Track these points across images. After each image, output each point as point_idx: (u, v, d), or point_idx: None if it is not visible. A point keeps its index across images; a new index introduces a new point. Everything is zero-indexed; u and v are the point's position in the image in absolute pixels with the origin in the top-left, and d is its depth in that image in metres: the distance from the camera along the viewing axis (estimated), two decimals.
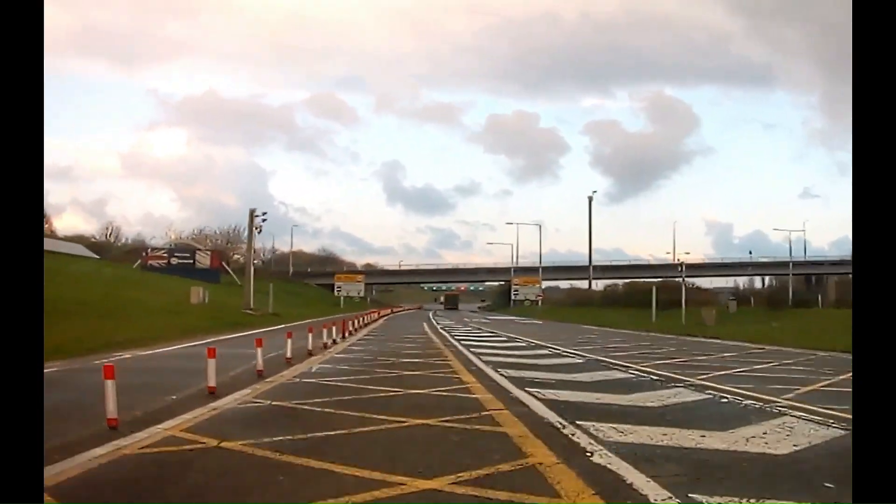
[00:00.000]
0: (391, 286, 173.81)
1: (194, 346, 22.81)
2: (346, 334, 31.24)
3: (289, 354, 17.55)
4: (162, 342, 23.42)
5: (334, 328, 26.81)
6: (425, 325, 47.05)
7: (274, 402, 10.84)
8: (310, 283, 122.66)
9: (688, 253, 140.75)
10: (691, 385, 13.87)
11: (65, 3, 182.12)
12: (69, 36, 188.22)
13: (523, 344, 28.13)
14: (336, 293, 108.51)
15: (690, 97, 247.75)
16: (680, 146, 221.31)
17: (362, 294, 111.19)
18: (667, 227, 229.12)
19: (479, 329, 43.14)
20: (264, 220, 49.61)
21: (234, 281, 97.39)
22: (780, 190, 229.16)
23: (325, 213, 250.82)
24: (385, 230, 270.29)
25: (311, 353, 20.06)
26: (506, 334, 36.38)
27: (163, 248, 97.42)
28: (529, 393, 12.05)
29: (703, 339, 33.86)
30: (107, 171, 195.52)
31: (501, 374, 15.33)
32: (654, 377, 15.48)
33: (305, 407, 10.42)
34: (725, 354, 23.59)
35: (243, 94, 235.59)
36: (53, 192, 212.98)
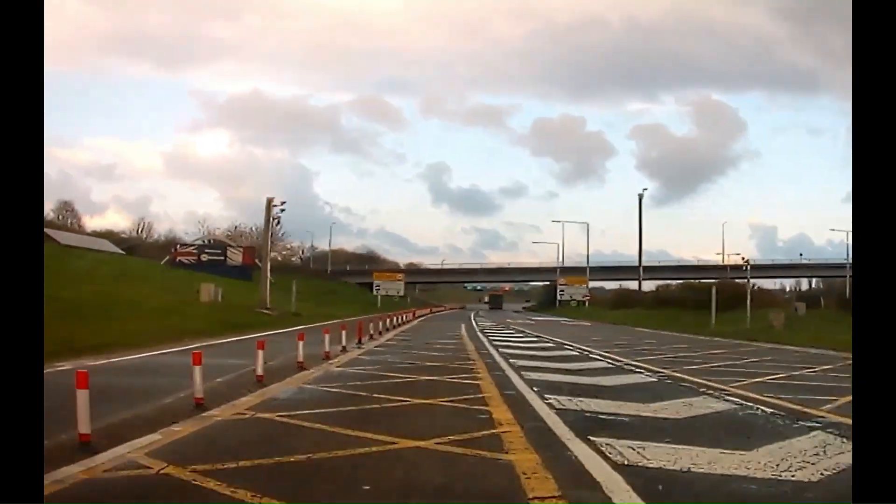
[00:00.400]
0: (434, 286, 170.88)
1: (169, 353, 18.60)
2: (367, 338, 26.90)
3: (260, 371, 13.10)
4: (134, 348, 19.13)
5: (344, 333, 22.27)
6: (463, 326, 42.55)
7: (165, 471, 6.31)
8: (349, 281, 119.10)
9: (738, 254, 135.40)
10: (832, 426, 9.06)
11: (108, 4, 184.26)
12: (113, 37, 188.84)
13: (574, 353, 23.51)
14: (374, 292, 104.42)
15: (737, 102, 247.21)
16: (726, 150, 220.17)
17: (402, 293, 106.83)
18: (711, 229, 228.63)
19: (523, 332, 38.56)
20: (283, 211, 45.06)
21: (271, 281, 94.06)
22: (824, 194, 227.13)
23: (370, 213, 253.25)
24: (430, 231, 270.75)
25: (302, 367, 15.60)
26: (552, 338, 31.85)
27: (192, 245, 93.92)
28: (612, 458, 7.06)
29: (779, 346, 28.79)
30: (150, 171, 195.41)
31: (551, 403, 10.81)
32: (780, 414, 10.59)
33: (210, 485, 5.87)
34: (825, 366, 18.85)
35: (288, 95, 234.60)
36: (96, 190, 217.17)
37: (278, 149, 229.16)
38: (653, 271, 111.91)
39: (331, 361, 17.79)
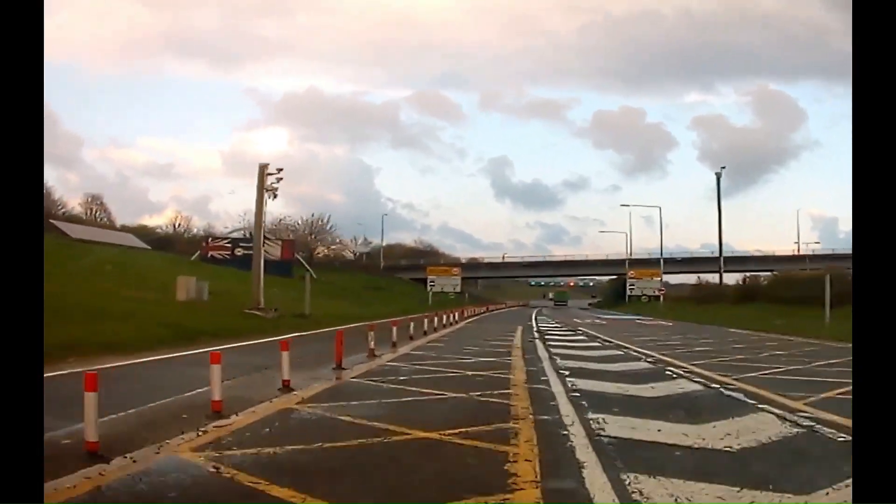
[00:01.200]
0: (496, 282, 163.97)
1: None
2: (387, 348, 19.76)
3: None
4: None
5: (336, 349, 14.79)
6: (519, 330, 34.53)
7: None
8: (403, 277, 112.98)
9: (817, 243, 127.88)
10: None
11: (159, 5, 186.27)
12: (165, 37, 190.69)
13: (699, 387, 15.26)
14: (428, 288, 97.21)
15: (795, 92, 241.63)
16: (786, 141, 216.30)
17: (458, 289, 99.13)
18: (773, 221, 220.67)
19: (595, 338, 30.64)
20: (279, 180, 37.18)
21: (311, 276, 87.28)
22: None
23: (432, 209, 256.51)
24: (493, 226, 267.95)
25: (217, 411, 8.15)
26: (640, 349, 23.70)
27: (225, 238, 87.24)
28: None
29: None
30: (208, 170, 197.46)
31: None
32: None
33: None
34: None
35: (344, 92, 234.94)
36: (153, 190, 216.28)
37: (337, 146, 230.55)
38: (729, 263, 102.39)
39: (294, 393, 10.93)
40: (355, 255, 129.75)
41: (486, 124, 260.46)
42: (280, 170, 36.93)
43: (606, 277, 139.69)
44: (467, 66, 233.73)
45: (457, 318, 44.49)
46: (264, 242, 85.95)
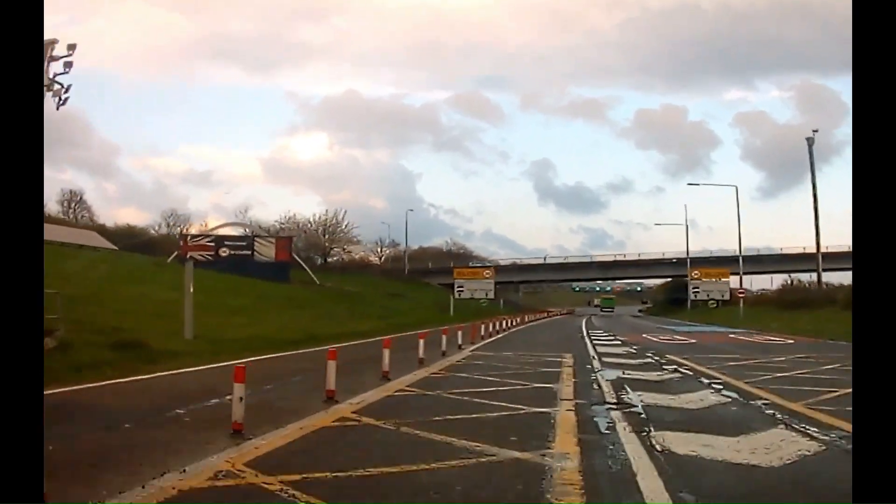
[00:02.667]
0: (537, 287, 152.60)
1: None
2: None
3: None
4: None
5: None
6: (567, 365, 20.03)
7: None
8: (431, 282, 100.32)
9: None
10: None
11: (194, 11, 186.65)
12: (202, 44, 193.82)
13: None
14: (455, 294, 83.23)
15: (838, 86, 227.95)
16: (830, 137, 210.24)
17: (491, 295, 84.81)
18: (822, 220, 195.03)
19: (702, 373, 16.40)
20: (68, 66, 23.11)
21: (312, 280, 74.04)
22: None
23: (476, 214, 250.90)
24: (536, 231, 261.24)
25: None
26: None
27: (205, 236, 73.48)
28: None
29: None
30: (249, 177, 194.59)
31: None
32: None
33: None
34: None
35: (384, 95, 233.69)
36: (193, 198, 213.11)
37: (378, 150, 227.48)
38: (802, 262, 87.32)
39: None
40: (381, 258, 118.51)
41: (528, 125, 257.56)
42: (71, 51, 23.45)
43: (658, 280, 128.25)
44: (507, 65, 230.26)
45: (494, 328, 34.93)
46: (254, 241, 73.27)
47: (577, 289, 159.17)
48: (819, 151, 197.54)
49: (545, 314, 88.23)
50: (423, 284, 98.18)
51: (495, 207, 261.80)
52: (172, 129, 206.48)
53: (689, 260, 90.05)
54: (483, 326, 35.75)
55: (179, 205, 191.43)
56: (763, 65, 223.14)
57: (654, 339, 33.72)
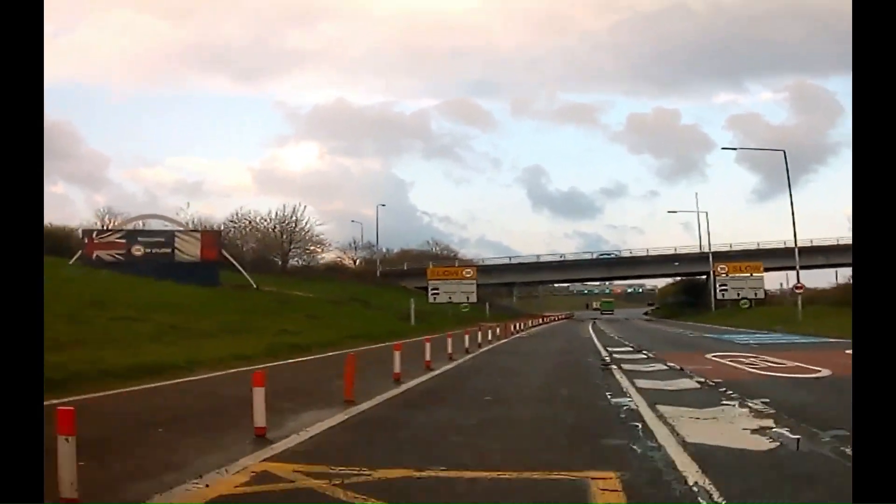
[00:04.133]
0: (532, 290, 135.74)
1: None
2: None
3: None
4: None
5: None
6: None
7: None
8: (407, 285, 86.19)
9: None
10: None
11: (181, 20, 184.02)
12: (189, 53, 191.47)
13: None
14: (431, 297, 68.61)
15: (833, 86, 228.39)
16: (826, 137, 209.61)
17: (473, 298, 69.88)
18: (816, 222, 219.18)
19: None
20: None
21: (248, 283, 59.33)
22: None
23: (470, 221, 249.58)
24: (531, 237, 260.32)
25: None
26: None
27: (115, 231, 58.39)
28: None
29: None
30: (239, 187, 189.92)
31: None
32: None
33: None
34: None
35: (373, 103, 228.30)
36: (185, 209, 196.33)
37: (370, 158, 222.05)
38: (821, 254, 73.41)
39: None
40: (355, 261, 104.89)
41: (520, 131, 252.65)
42: None
43: (662, 281, 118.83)
44: (497, 71, 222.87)
45: (463, 346, 19.68)
46: (175, 236, 58.36)
47: (576, 292, 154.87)
48: (814, 152, 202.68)
49: (540, 320, 73.45)
50: (397, 289, 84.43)
51: (489, 214, 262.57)
52: (162, 139, 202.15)
53: (711, 254, 75.25)
54: (450, 340, 23.91)
55: (170, 216, 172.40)
56: (756, 67, 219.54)
57: (735, 365, 18.70)
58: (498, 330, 37.46)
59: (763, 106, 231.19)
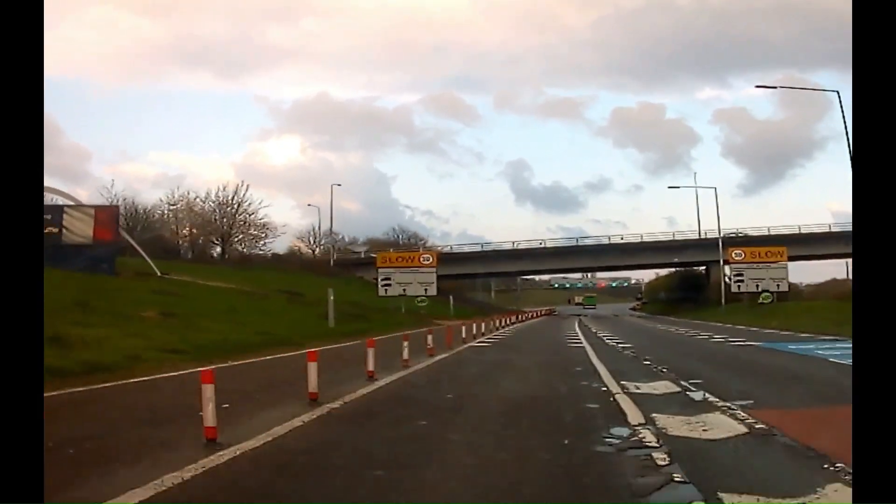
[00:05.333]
0: (511, 284, 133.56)
1: None
2: None
3: None
4: None
5: None
6: None
7: None
8: (364, 275, 75.26)
9: None
10: None
11: (162, 15, 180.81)
12: (171, 48, 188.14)
13: None
14: (381, 290, 56.44)
15: (819, 80, 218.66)
16: (813, 132, 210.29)
17: (433, 291, 57.51)
18: (800, 217, 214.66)
19: None
20: None
21: (152, 270, 47.49)
22: None
23: (452, 215, 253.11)
24: (514, 231, 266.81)
25: None
26: None
27: None
28: None
29: None
30: (221, 182, 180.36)
31: None
32: None
33: None
34: None
35: (356, 97, 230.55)
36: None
37: (351, 152, 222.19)
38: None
39: None
40: (314, 250, 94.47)
41: (504, 126, 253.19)
42: None
43: (650, 273, 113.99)
44: (481, 66, 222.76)
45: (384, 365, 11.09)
46: (63, 213, 45.30)
47: (557, 286, 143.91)
48: (801, 146, 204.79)
49: (516, 317, 61.08)
50: (350, 279, 72.84)
51: (472, 208, 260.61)
52: (144, 133, 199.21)
53: (721, 240, 63.06)
54: (372, 354, 15.37)
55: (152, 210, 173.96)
56: (741, 61, 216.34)
57: None
58: (466, 329, 25.18)
59: (749, 100, 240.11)
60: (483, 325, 38.65)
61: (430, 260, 57.78)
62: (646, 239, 79.15)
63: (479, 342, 29.59)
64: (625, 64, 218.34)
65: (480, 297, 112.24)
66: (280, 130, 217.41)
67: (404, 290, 56.37)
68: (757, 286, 58.37)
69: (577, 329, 42.20)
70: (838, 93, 40.71)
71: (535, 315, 77.87)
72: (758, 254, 59.61)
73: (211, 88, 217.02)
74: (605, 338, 32.20)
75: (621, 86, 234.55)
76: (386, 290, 56.71)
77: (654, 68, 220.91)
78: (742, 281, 58.83)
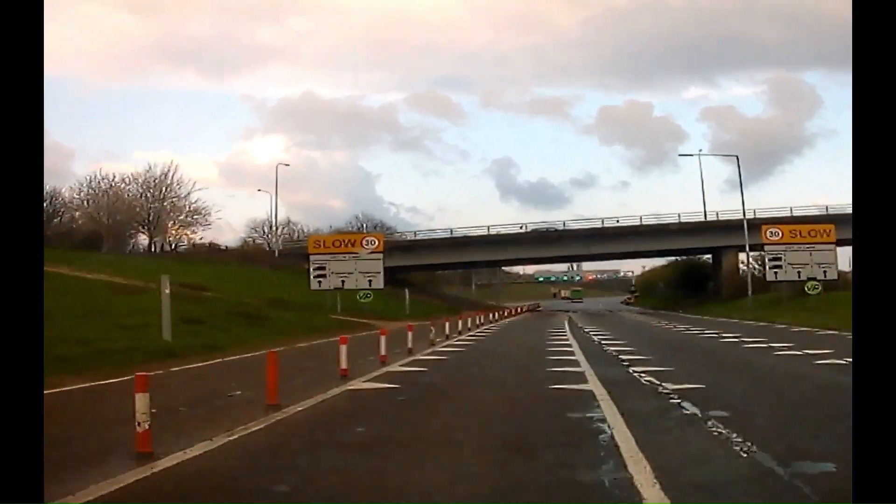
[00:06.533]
0: (494, 277, 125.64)
1: None
2: None
3: None
4: None
5: None
6: None
7: None
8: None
9: None
10: None
11: (148, 14, 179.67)
12: (156, 47, 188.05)
13: None
14: (314, 282, 44.36)
15: (809, 80, 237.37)
16: (802, 130, 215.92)
17: (379, 284, 44.83)
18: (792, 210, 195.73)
19: None
20: None
21: None
22: None
23: (437, 212, 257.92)
24: (499, 228, 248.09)
25: None
26: None
27: None
28: None
29: None
30: (206, 181, 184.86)
31: None
32: None
33: None
34: None
35: (342, 96, 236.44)
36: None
37: (337, 151, 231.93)
38: None
39: None
40: (268, 242, 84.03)
41: (490, 124, 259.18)
42: None
43: (647, 264, 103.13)
44: (468, 65, 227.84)
45: None
46: None
47: (542, 279, 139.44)
48: (790, 144, 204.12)
49: (491, 315, 48.78)
50: (297, 271, 60.50)
51: (457, 205, 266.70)
52: (128, 132, 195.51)
53: (745, 222, 50.60)
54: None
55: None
56: (730, 60, 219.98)
57: None
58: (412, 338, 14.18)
59: (737, 99, 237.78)
60: (446, 326, 28.04)
61: (375, 244, 45.00)
62: (646, 222, 66.68)
63: (425, 355, 18.99)
64: (612, 63, 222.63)
65: (457, 292, 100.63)
66: (265, 129, 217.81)
67: (342, 281, 43.93)
68: (798, 273, 45.99)
69: (569, 332, 30.12)
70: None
71: (515, 312, 65.50)
72: (798, 233, 46.83)
73: (196, 87, 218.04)
74: (620, 349, 19.93)
75: (608, 85, 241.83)
76: (319, 282, 44.30)
77: (641, 67, 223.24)
78: (780, 267, 45.76)
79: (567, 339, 25.60)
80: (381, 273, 44.30)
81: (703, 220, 66.23)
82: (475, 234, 69.32)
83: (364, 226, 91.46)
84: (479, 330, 35.21)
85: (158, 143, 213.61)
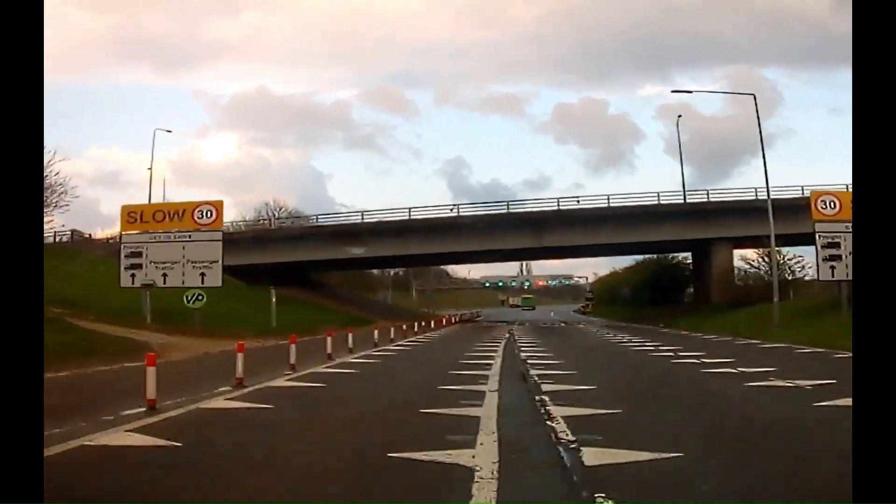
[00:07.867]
0: (439, 283, 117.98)
1: None
2: None
3: None
4: None
5: None
6: None
7: None
8: None
9: None
10: None
11: (101, 9, 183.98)
12: (108, 42, 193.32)
13: None
14: (126, 280, 29.04)
15: (769, 76, 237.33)
16: (762, 128, 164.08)
17: (216, 281, 29.10)
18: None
19: None
20: None
21: None
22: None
23: (389, 214, 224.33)
24: (429, 212, 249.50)
25: None
26: None
27: None
28: None
29: None
30: (158, 178, 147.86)
31: None
32: None
33: None
34: None
35: (295, 92, 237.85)
36: (104, 200, 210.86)
37: (289, 149, 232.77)
38: None
39: None
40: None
41: (444, 122, 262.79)
42: None
43: (602, 267, 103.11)
44: (423, 61, 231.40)
45: None
46: None
47: (488, 284, 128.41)
48: (751, 142, 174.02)
49: (389, 333, 34.22)
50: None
51: (408, 205, 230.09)
52: (80, 130, 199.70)
53: (770, 203, 35.20)
54: None
55: (91, 207, 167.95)
56: (688, 57, 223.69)
57: None
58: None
59: (693, 97, 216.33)
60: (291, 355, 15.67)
61: (213, 217, 29.24)
62: (613, 204, 51.60)
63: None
64: (568, 59, 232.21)
65: (380, 297, 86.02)
66: (218, 126, 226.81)
67: (164, 275, 28.52)
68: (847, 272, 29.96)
69: (496, 372, 15.14)
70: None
71: (443, 323, 50.41)
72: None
73: (149, 83, 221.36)
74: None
75: (564, 82, 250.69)
76: (132, 275, 28.86)
77: (599, 63, 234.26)
78: (839, 257, 29.95)
79: (481, 413, 10.38)
80: (220, 262, 28.67)
81: (692, 201, 52.43)
82: (388, 221, 53.54)
83: (275, 215, 76.44)
84: (359, 355, 20.13)
85: (111, 139, 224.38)
